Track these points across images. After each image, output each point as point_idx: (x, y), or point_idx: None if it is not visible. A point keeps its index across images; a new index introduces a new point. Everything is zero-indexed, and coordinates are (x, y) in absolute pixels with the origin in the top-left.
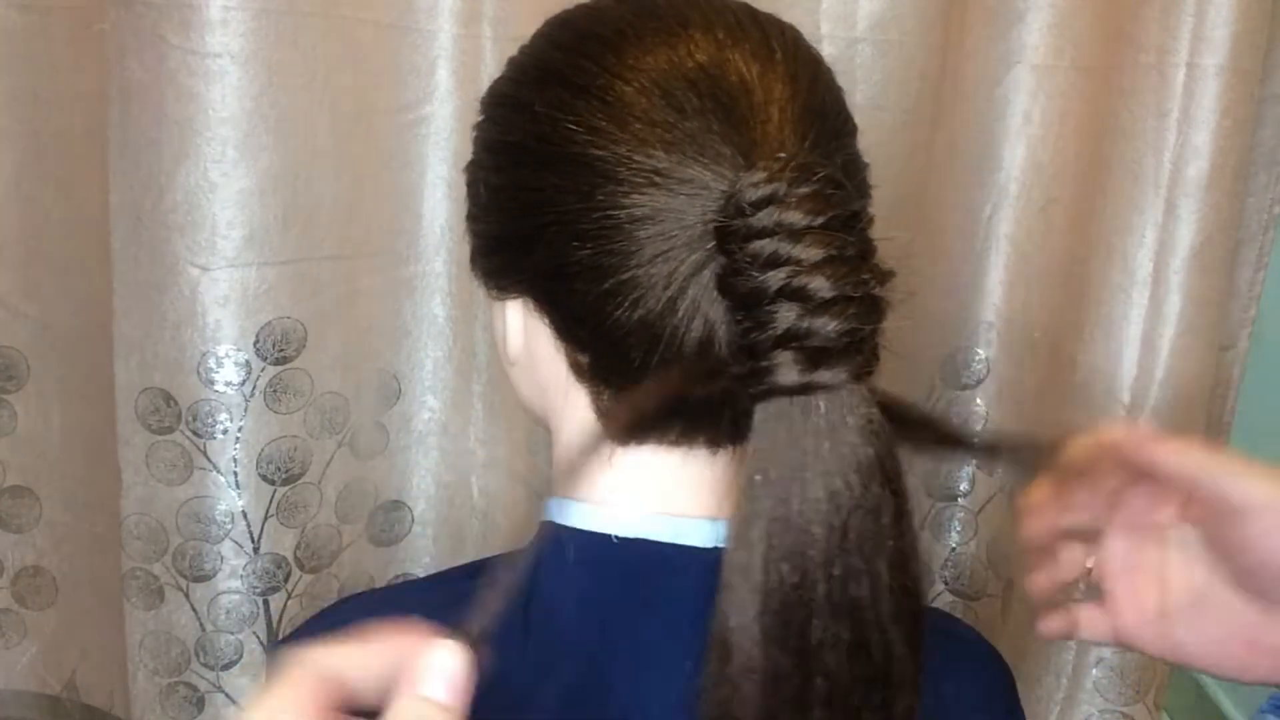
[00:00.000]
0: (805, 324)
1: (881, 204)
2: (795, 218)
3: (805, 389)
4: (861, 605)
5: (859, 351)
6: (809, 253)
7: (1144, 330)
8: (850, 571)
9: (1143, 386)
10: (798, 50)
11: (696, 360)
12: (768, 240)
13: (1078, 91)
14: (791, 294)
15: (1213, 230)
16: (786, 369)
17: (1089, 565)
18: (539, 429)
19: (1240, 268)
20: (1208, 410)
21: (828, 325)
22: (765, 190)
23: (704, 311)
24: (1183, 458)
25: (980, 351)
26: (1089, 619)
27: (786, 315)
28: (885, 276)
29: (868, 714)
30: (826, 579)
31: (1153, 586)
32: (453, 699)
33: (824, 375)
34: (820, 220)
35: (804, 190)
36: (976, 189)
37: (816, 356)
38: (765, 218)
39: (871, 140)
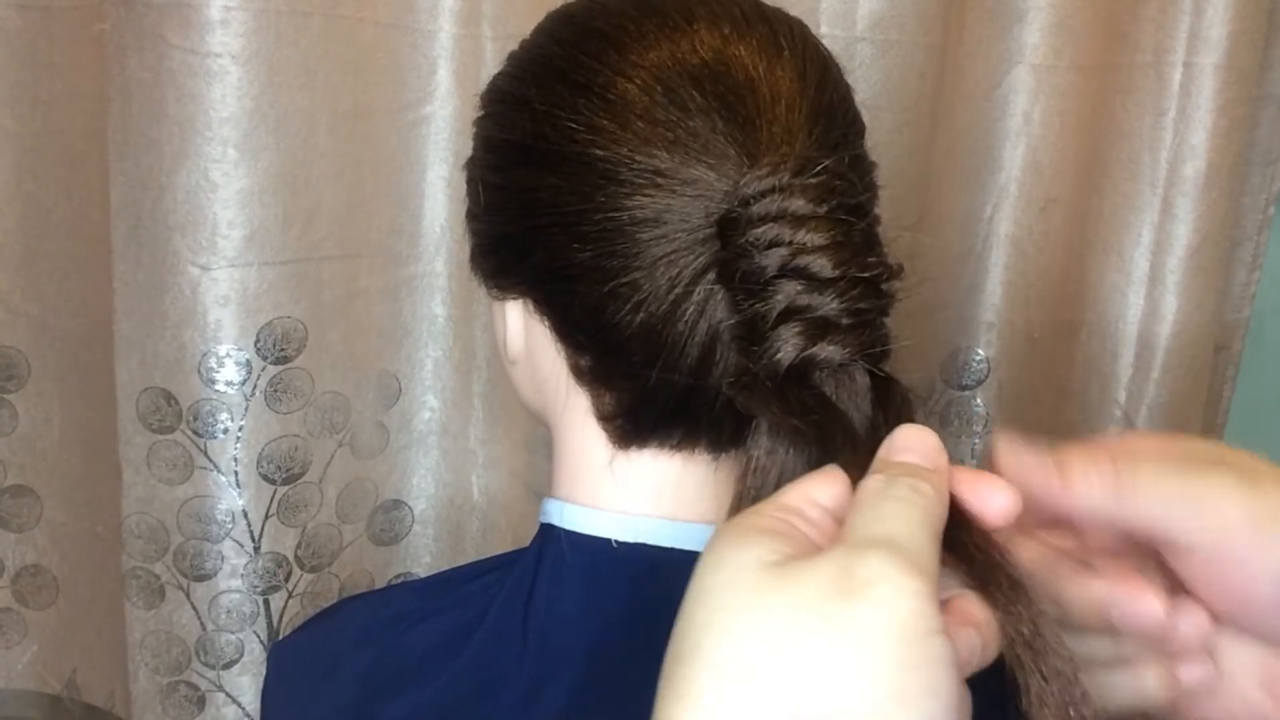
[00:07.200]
0: (806, 300)
1: (881, 204)
2: (798, 205)
3: (807, 364)
4: None
5: (863, 330)
6: (811, 238)
7: (1140, 330)
8: None
9: (1139, 386)
10: (806, 46)
11: (701, 364)
12: (770, 225)
13: (1077, 91)
14: (793, 272)
15: (1209, 229)
16: (789, 344)
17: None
18: (539, 428)
19: (1235, 268)
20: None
21: (830, 302)
22: (768, 182)
23: (708, 315)
24: (1091, 498)
25: (980, 351)
26: None
27: (788, 291)
28: (894, 270)
29: None
30: None
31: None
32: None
33: (827, 349)
34: (824, 209)
35: (807, 181)
36: (976, 189)
37: (819, 331)
38: (767, 205)
39: (871, 140)
